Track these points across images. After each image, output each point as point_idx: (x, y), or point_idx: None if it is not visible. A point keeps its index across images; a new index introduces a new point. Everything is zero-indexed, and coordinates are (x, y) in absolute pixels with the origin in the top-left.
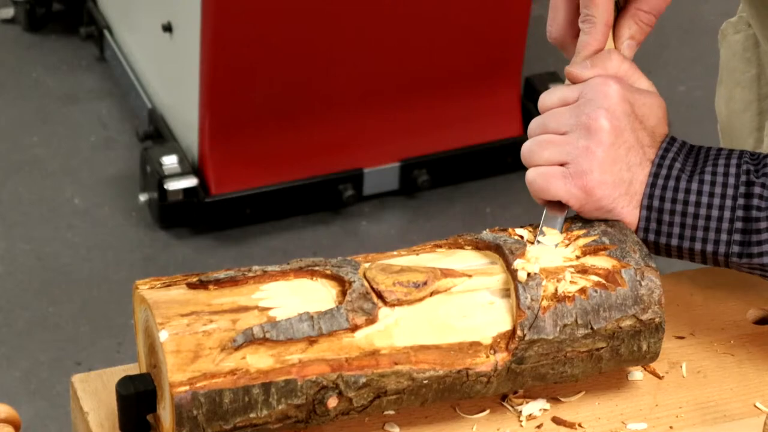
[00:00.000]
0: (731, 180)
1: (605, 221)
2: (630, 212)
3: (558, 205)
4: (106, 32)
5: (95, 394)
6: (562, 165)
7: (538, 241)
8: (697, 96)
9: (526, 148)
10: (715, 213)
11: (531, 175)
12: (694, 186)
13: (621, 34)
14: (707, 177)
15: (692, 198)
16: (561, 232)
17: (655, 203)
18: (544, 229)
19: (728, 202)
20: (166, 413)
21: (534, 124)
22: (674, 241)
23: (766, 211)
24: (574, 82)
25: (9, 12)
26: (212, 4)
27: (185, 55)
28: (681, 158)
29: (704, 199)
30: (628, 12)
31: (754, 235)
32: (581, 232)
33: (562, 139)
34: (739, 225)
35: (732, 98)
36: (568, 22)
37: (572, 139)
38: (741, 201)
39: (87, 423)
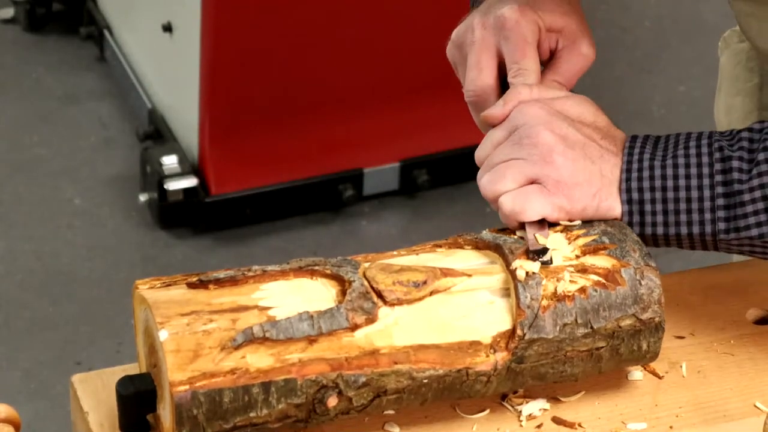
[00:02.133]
0: (705, 159)
1: (605, 221)
2: (614, 201)
3: (537, 224)
4: (106, 32)
5: (95, 394)
6: (531, 183)
7: (543, 262)
8: (696, 96)
9: (485, 180)
10: (695, 194)
11: (505, 202)
12: (669, 171)
13: None
14: (680, 160)
15: (669, 183)
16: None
17: (634, 195)
18: (540, 242)
19: (706, 181)
20: (166, 413)
21: (480, 172)
22: (660, 230)
23: (747, 183)
24: (495, 123)
25: (9, 12)
26: (212, 4)
27: (185, 55)
28: (649, 147)
29: (681, 183)
30: (544, 82)
31: (738, 208)
32: (581, 231)
33: (516, 162)
34: (721, 201)
35: (733, 107)
36: (493, 79)
37: (527, 158)
38: (719, 177)
39: (87, 423)
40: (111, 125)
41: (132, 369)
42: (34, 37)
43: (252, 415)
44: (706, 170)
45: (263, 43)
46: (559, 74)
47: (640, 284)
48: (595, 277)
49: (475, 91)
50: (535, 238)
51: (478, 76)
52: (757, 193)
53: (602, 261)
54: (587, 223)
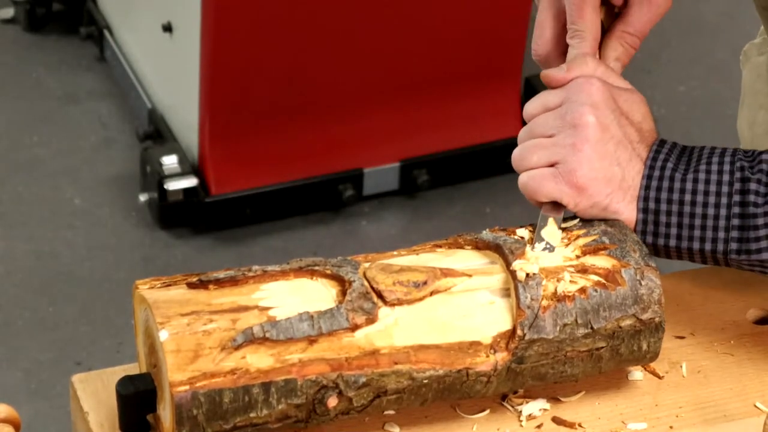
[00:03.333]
0: (725, 177)
1: (605, 221)
2: (626, 207)
3: (553, 205)
4: (106, 32)
5: (95, 394)
6: (552, 166)
7: (537, 246)
8: (696, 96)
9: (516, 154)
10: (711, 211)
11: (523, 179)
12: (689, 185)
13: (607, 55)
14: (701, 175)
15: (687, 197)
16: (559, 229)
17: (651, 205)
18: (543, 233)
19: (724, 200)
20: (166, 413)
21: (522, 132)
22: (672, 242)
23: (762, 207)
24: (552, 86)
25: (9, 12)
26: (212, 4)
27: (185, 55)
28: (673, 158)
29: (699, 198)
30: (613, 34)
31: (751, 231)
32: (581, 231)
33: (549, 141)
34: (736, 222)
35: (755, 122)
36: (555, 40)
37: (559, 140)
38: (737, 198)
39: (87, 423)
40: (111, 125)
41: (132, 369)
42: (34, 37)
43: (252, 415)
44: (725, 189)
45: (263, 43)
46: (630, 24)
47: (641, 284)
48: (596, 278)
49: (536, 51)
50: (540, 224)
51: (540, 36)
52: None
53: (602, 261)
54: (587, 223)
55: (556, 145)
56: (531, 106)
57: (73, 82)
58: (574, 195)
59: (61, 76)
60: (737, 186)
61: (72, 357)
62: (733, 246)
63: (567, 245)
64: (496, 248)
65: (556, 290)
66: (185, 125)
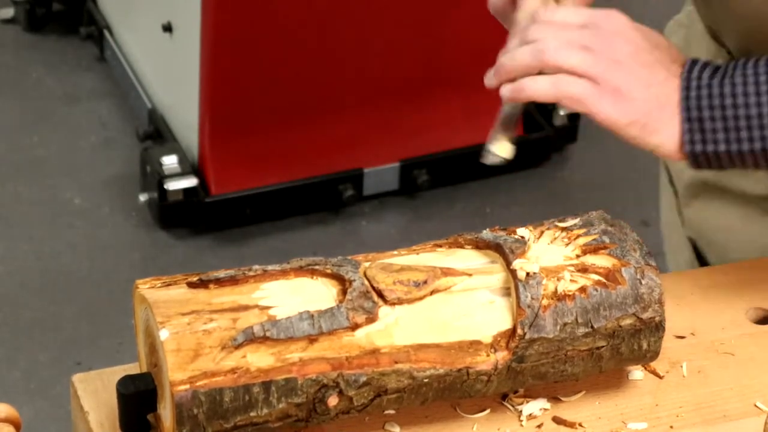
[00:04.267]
0: (762, 78)
1: (605, 221)
2: (667, 123)
3: (504, 125)
4: (106, 32)
5: (95, 393)
6: (588, 79)
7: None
8: None
9: (552, 44)
10: (753, 111)
11: (552, 80)
12: (727, 89)
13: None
14: (738, 79)
15: (728, 101)
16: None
17: (693, 113)
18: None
19: (764, 98)
20: (166, 412)
21: (539, 27)
22: (722, 147)
23: None
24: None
25: (9, 12)
26: (212, 4)
27: (185, 55)
28: (708, 70)
29: (740, 100)
30: None
31: None
32: (581, 231)
33: (589, 52)
34: None
35: None
36: None
37: (597, 56)
38: None
39: (87, 423)
40: (111, 125)
41: (132, 369)
42: (34, 37)
43: (252, 414)
44: (764, 88)
45: (263, 43)
46: None
47: (641, 283)
48: (596, 277)
49: (492, 5)
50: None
51: None
52: None
53: (603, 260)
54: (587, 222)
55: (595, 56)
56: (550, 13)
57: (73, 82)
58: (617, 111)
59: (61, 76)
60: None
61: (72, 357)
62: None
63: (567, 244)
64: (496, 248)
65: (556, 289)
66: (185, 125)
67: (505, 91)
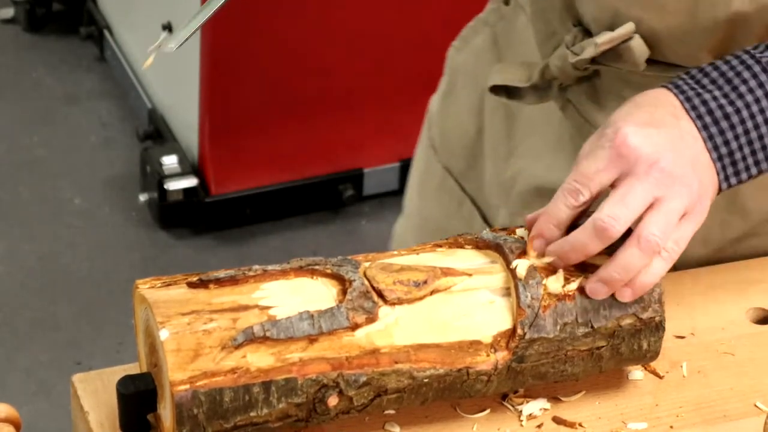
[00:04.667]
0: (763, 77)
1: None
2: (709, 170)
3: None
4: (106, 32)
5: (95, 393)
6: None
7: None
8: None
9: (654, 234)
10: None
11: (662, 267)
12: (740, 103)
13: None
14: (743, 88)
15: (749, 123)
16: None
17: (723, 149)
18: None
19: None
20: (166, 412)
21: (646, 226)
22: (754, 170)
23: None
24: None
25: (9, 12)
26: None
27: (185, 55)
28: (701, 88)
29: (758, 116)
30: None
31: None
32: None
33: (660, 202)
34: None
35: (483, 108)
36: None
37: (674, 196)
38: None
39: (87, 423)
40: (111, 125)
41: (132, 369)
42: (34, 37)
43: (252, 414)
44: None
45: (263, 43)
46: None
47: None
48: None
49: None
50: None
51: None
52: None
53: (603, 260)
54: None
55: (682, 201)
56: (613, 211)
57: (73, 82)
58: (704, 214)
59: (61, 76)
60: None
61: (72, 357)
62: None
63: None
64: (496, 247)
65: (556, 289)
66: (185, 125)
67: (627, 297)
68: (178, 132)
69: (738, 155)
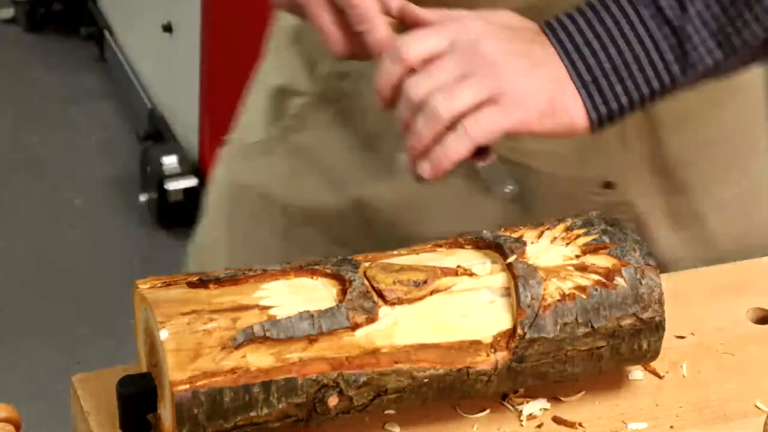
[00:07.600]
0: (629, 10)
1: (605, 220)
2: (569, 99)
3: (479, 154)
4: (106, 32)
5: (95, 393)
6: (488, 102)
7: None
8: None
9: (441, 102)
10: (638, 48)
11: (469, 123)
12: (604, 36)
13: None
14: (608, 21)
15: (612, 51)
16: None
17: (586, 77)
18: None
19: (641, 30)
20: (166, 412)
21: (417, 82)
22: (624, 99)
23: (682, 17)
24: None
25: (9, 12)
26: (212, 4)
27: (185, 55)
28: (570, 24)
29: (619, 40)
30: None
31: (686, 43)
32: (581, 231)
33: (471, 79)
34: (665, 45)
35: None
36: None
37: (481, 76)
38: (653, 23)
39: (87, 423)
40: (111, 125)
41: (132, 369)
42: (34, 37)
43: (252, 414)
44: (635, 18)
45: (263, 43)
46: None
47: (641, 283)
48: (596, 277)
49: (336, 51)
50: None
51: (331, 35)
52: (697, 22)
53: (602, 260)
54: (587, 222)
55: (480, 78)
56: (414, 50)
57: (73, 82)
58: (523, 116)
59: (61, 76)
60: (649, 11)
61: (72, 357)
62: (675, 69)
63: (567, 244)
64: (496, 247)
65: (556, 289)
66: (185, 125)
67: (426, 171)
68: (178, 132)
69: (603, 82)
